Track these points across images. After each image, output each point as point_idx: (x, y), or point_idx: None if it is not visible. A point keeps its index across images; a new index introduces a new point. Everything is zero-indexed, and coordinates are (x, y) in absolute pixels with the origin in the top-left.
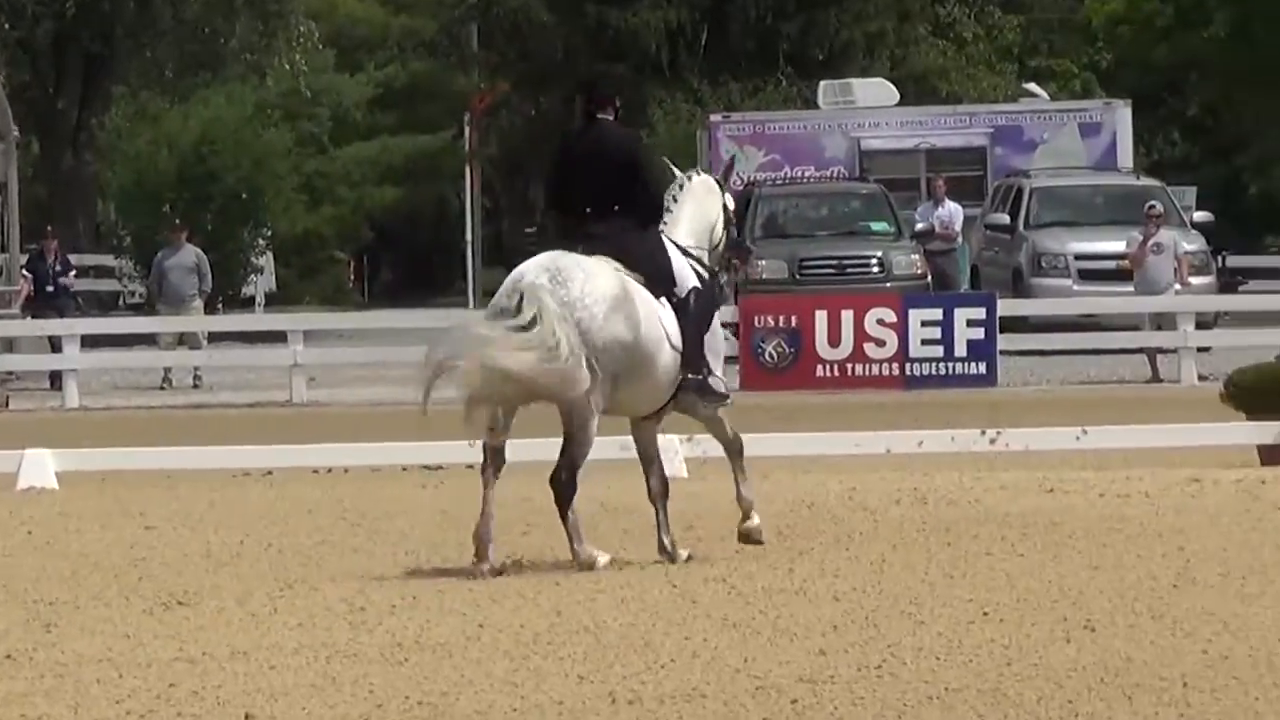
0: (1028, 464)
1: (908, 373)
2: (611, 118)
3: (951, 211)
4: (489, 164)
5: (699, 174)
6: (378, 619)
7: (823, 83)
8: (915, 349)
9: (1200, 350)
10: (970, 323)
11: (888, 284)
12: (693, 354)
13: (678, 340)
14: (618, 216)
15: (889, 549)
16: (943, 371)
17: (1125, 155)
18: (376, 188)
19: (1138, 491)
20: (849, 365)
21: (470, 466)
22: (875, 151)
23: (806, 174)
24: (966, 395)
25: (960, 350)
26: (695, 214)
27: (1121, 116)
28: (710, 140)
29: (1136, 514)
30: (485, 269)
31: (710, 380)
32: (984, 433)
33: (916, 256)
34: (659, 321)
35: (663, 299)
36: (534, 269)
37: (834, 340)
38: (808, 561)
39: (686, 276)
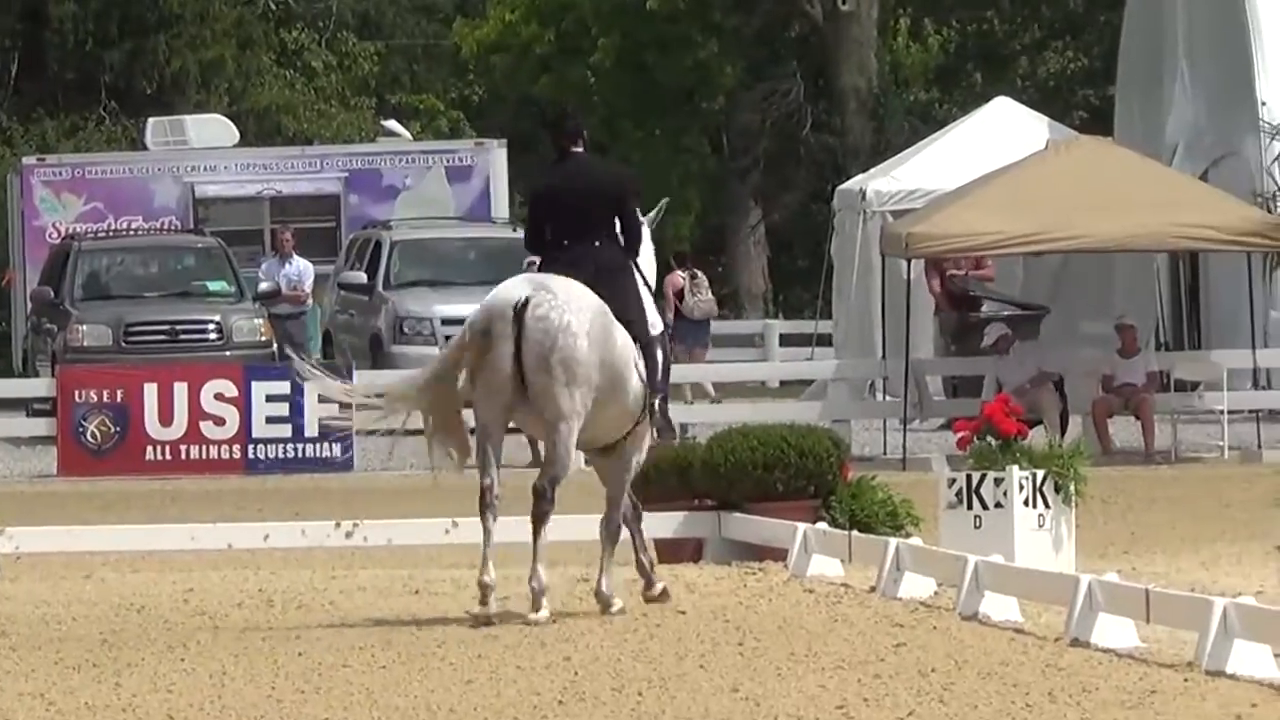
0: (391, 561)
1: (251, 455)
2: (582, 150)
3: (300, 269)
4: None
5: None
6: None
7: (151, 120)
8: (259, 428)
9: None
10: (323, 398)
11: (227, 353)
12: (661, 386)
13: (643, 370)
14: (600, 250)
15: (230, 659)
16: (291, 454)
17: (500, 203)
18: None
19: (519, 594)
20: (183, 446)
21: None
22: (212, 199)
23: (133, 225)
24: (319, 481)
25: (311, 429)
26: (649, 257)
27: (495, 158)
28: (22, 187)
29: (518, 618)
30: None
31: (669, 414)
32: (339, 524)
33: (260, 321)
34: (630, 345)
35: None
36: (512, 285)
37: (165, 417)
38: (137, 675)
39: (655, 317)
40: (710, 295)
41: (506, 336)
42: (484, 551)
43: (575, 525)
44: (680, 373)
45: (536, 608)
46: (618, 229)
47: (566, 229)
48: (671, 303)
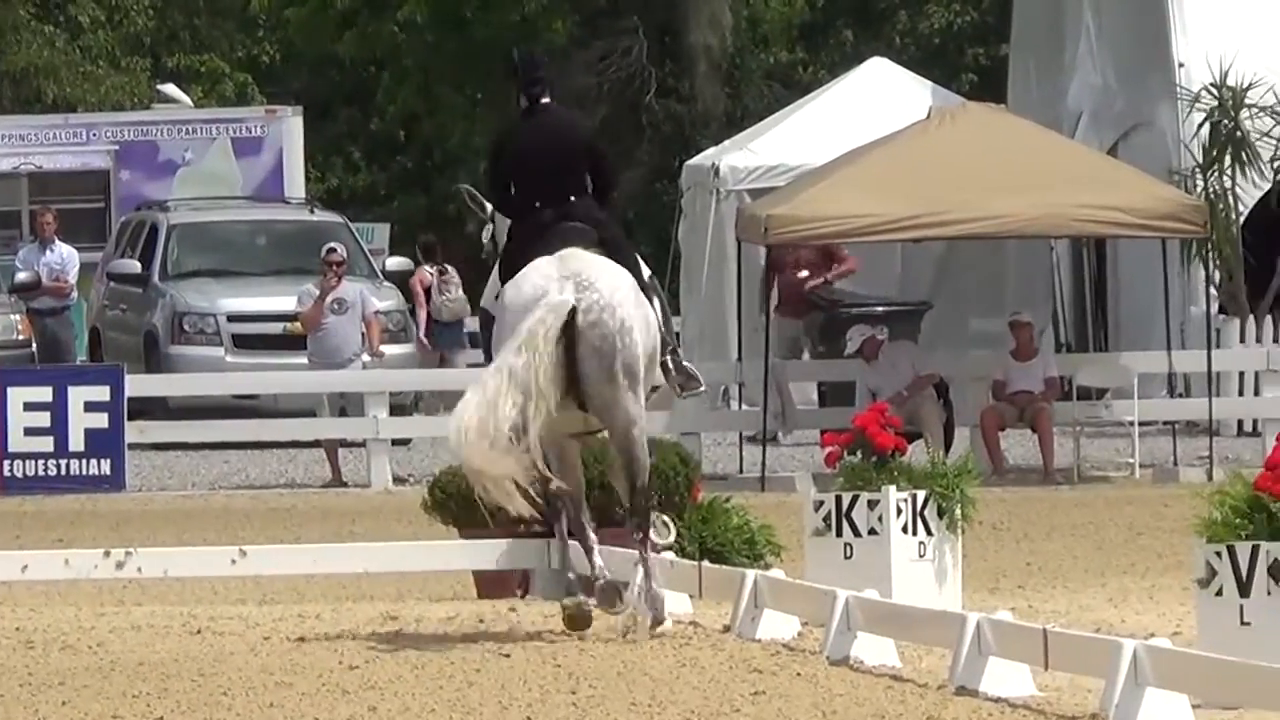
0: (169, 595)
1: (6, 472)
2: (550, 100)
3: (64, 256)
4: None
5: None
6: None
7: None
8: (16, 441)
9: (396, 443)
10: (90, 406)
11: None
12: (669, 335)
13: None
14: (578, 205)
15: None
16: (53, 471)
17: (295, 180)
18: None
19: (317, 634)
20: None
21: None
22: None
23: None
24: (85, 503)
25: (76, 443)
26: None
27: (290, 128)
28: None
29: (314, 664)
30: None
31: (685, 362)
32: (109, 553)
33: (17, 317)
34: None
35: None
36: (548, 282)
37: None
38: None
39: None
40: (462, 294)
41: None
42: (591, 557)
43: None
44: (438, 380)
45: (660, 619)
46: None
47: (540, 189)
48: (421, 301)
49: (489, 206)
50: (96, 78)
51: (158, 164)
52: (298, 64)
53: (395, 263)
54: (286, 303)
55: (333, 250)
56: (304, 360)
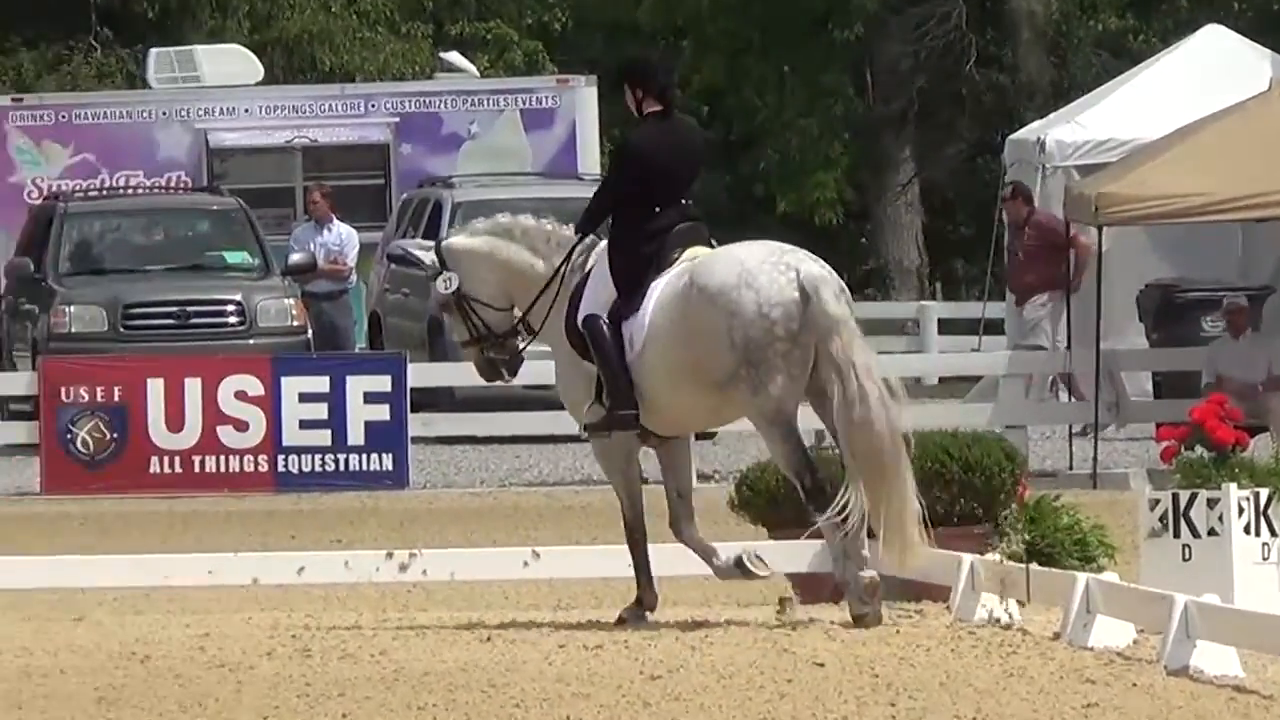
0: (456, 600)
1: (280, 468)
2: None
3: (342, 236)
4: None
5: None
6: None
7: (154, 51)
8: (291, 435)
9: (700, 437)
10: (370, 397)
11: (251, 341)
12: None
13: None
14: (690, 208)
15: None
16: (331, 466)
17: (589, 154)
18: None
19: (616, 641)
20: (196, 458)
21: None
22: (230, 150)
23: (133, 182)
24: (366, 501)
25: (356, 437)
26: None
27: (583, 99)
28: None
29: (613, 673)
30: None
31: None
32: (391, 555)
33: (292, 301)
34: None
35: None
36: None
37: (175, 422)
38: None
39: None
40: None
41: None
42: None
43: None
44: None
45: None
46: None
47: (665, 193)
48: None
49: (427, 259)
50: (375, 45)
51: (441, 137)
52: (591, 31)
53: None
54: None
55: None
56: None
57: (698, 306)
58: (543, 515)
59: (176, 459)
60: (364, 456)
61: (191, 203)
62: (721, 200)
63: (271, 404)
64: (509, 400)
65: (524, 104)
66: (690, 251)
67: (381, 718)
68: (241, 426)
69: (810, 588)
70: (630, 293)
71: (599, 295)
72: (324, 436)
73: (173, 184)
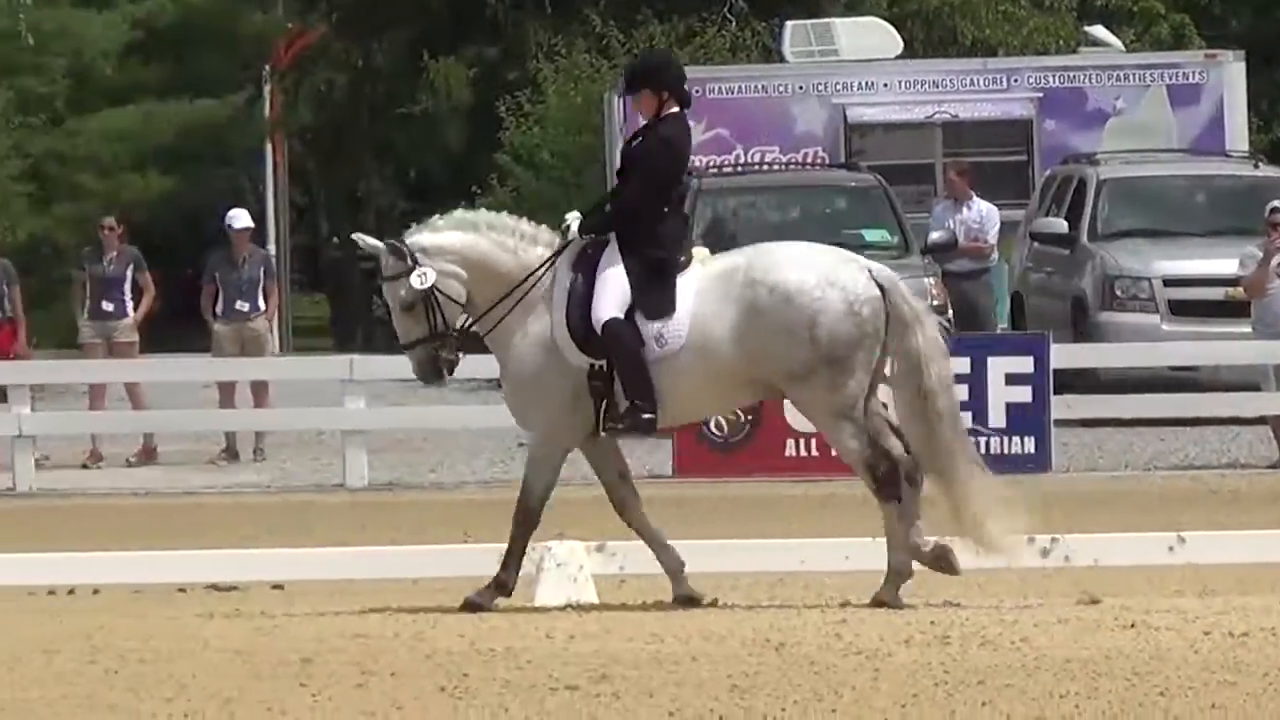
0: (1097, 585)
1: None
2: None
3: (982, 214)
4: (300, 139)
5: None
6: None
7: (790, 24)
8: None
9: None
10: (1012, 378)
11: None
12: None
13: None
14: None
15: (895, 710)
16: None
17: (1237, 132)
18: (136, 175)
19: (1260, 628)
20: None
21: (277, 586)
22: (869, 125)
23: (769, 158)
24: (1010, 483)
25: (997, 418)
26: None
27: (1231, 75)
28: (624, 108)
29: (1258, 661)
30: (295, 294)
31: None
32: (1032, 540)
33: (931, 280)
34: None
35: None
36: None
37: None
38: None
39: None
40: None
41: None
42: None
43: None
44: None
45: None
46: None
47: (677, 195)
48: None
49: (389, 256)
50: (1017, 19)
51: (1085, 113)
52: (1238, 5)
53: None
54: (1228, 266)
55: (1277, 210)
56: (1247, 329)
57: (772, 305)
58: (1189, 499)
59: (813, 441)
60: (1006, 439)
61: (829, 179)
62: None
63: None
64: (1153, 382)
65: (1170, 79)
66: (696, 253)
67: (1022, 706)
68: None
69: None
70: (654, 293)
71: (614, 297)
72: (965, 418)
73: (809, 160)
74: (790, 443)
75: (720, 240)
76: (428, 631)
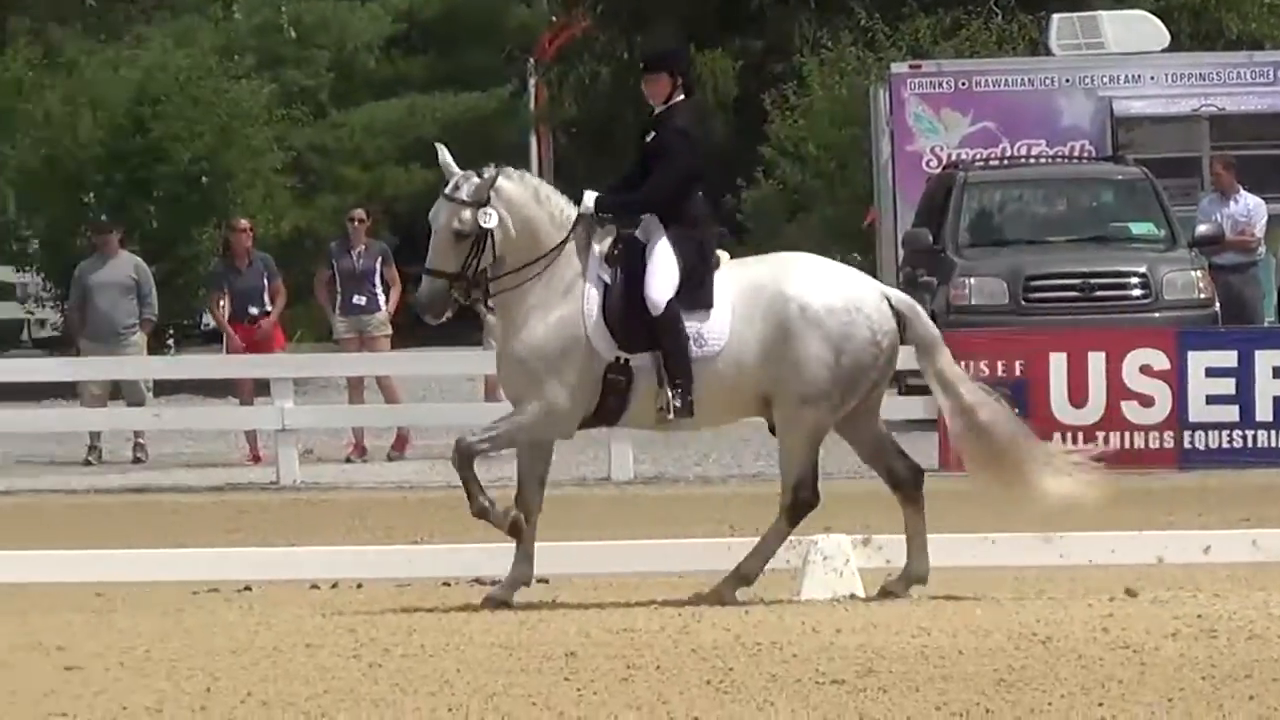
0: None
1: (1186, 444)
2: None
3: (1249, 207)
4: (565, 132)
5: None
6: None
7: (1056, 17)
8: (1197, 410)
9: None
10: (1279, 372)
11: (1156, 314)
12: None
13: None
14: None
15: (1162, 704)
16: (1238, 443)
17: None
18: (400, 168)
19: None
20: (1100, 433)
21: (541, 580)
22: (1136, 118)
23: (1035, 151)
24: (1274, 478)
25: (1263, 412)
26: None
27: None
28: (891, 101)
29: None
30: None
31: None
32: None
33: (1198, 274)
34: None
35: None
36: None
37: (1077, 396)
38: None
39: None
40: None
41: None
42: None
43: None
44: None
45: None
46: None
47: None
48: None
49: (488, 186)
50: None
51: None
52: None
53: None
54: None
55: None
56: None
57: (802, 326)
58: None
59: (1079, 434)
60: (1272, 433)
61: (1095, 172)
62: None
63: (1177, 379)
64: None
65: None
66: (722, 254)
67: None
68: (1146, 402)
69: None
70: (696, 285)
71: (667, 281)
72: (1231, 412)
73: (1076, 153)
74: (1057, 436)
75: (987, 233)
76: (692, 625)
